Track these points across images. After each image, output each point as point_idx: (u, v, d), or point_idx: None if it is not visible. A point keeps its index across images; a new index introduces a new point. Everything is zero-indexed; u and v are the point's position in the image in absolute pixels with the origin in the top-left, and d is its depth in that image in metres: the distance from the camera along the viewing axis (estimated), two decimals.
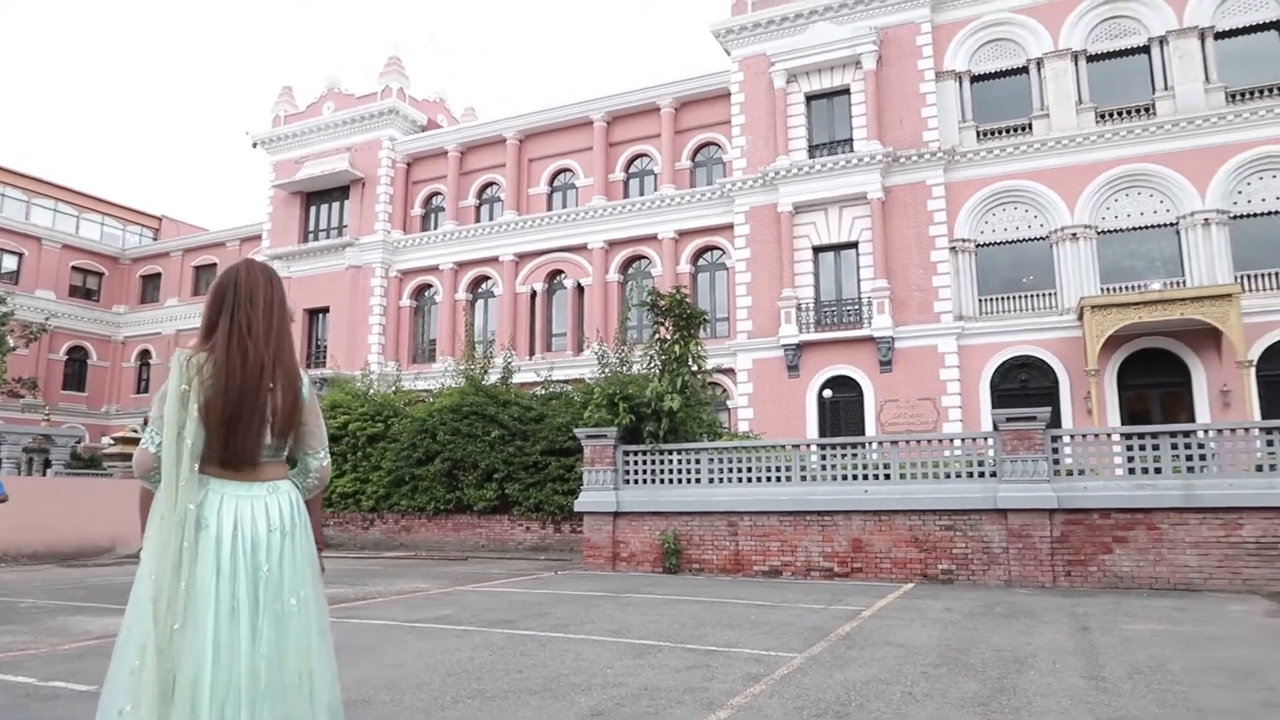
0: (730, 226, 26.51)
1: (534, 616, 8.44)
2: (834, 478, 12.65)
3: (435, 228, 32.15)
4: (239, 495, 2.52)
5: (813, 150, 25.37)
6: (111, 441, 25.17)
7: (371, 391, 21.57)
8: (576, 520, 16.27)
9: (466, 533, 18.67)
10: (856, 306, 24.21)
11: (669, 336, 14.65)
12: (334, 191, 33.56)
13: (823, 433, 23.62)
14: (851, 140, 24.87)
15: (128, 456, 23.99)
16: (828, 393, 24.01)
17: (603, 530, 13.88)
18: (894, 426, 22.69)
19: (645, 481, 13.92)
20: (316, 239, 33.59)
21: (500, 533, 18.35)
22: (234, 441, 2.52)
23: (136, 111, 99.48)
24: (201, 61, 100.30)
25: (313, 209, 34.23)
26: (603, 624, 7.87)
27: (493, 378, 20.19)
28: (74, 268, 40.39)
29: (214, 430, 2.50)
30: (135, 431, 28.09)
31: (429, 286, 31.89)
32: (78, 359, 39.94)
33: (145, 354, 40.39)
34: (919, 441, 12.79)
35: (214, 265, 39.35)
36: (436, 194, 32.67)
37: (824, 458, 13.06)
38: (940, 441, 13.13)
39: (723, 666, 5.82)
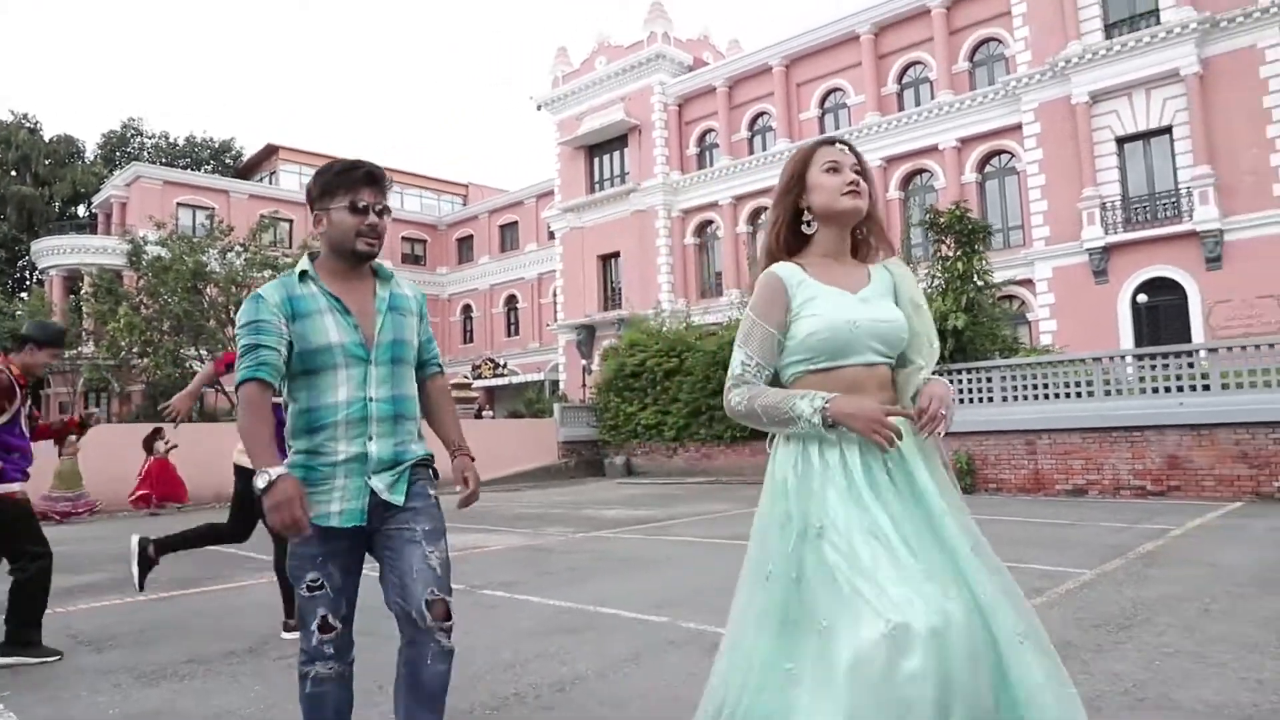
0: (1018, 127, 24.67)
1: None
2: (1143, 390, 11.86)
3: (710, 165, 32.81)
4: None
5: (1109, 30, 22.81)
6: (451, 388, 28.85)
7: (665, 329, 22.87)
8: None
9: (763, 459, 19.43)
10: (1173, 199, 21.73)
11: (950, 254, 14.29)
12: (613, 141, 35.23)
13: (1139, 342, 21.63)
14: (1157, 11, 22.05)
15: (463, 400, 27.48)
16: (1142, 298, 21.92)
17: None
18: (1228, 330, 20.30)
19: None
20: (602, 188, 35.56)
21: None
22: None
23: (424, 91, 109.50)
24: (481, 40, 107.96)
25: (595, 160, 36.20)
26: None
27: None
28: (403, 238, 45.96)
29: None
30: (466, 378, 31.90)
31: (710, 223, 32.77)
32: None
33: (467, 308, 45.29)
34: (1245, 348, 11.59)
35: (515, 223, 43.02)
36: (709, 131, 33.26)
37: (1131, 370, 12.25)
38: (1274, 346, 11.79)
39: None
